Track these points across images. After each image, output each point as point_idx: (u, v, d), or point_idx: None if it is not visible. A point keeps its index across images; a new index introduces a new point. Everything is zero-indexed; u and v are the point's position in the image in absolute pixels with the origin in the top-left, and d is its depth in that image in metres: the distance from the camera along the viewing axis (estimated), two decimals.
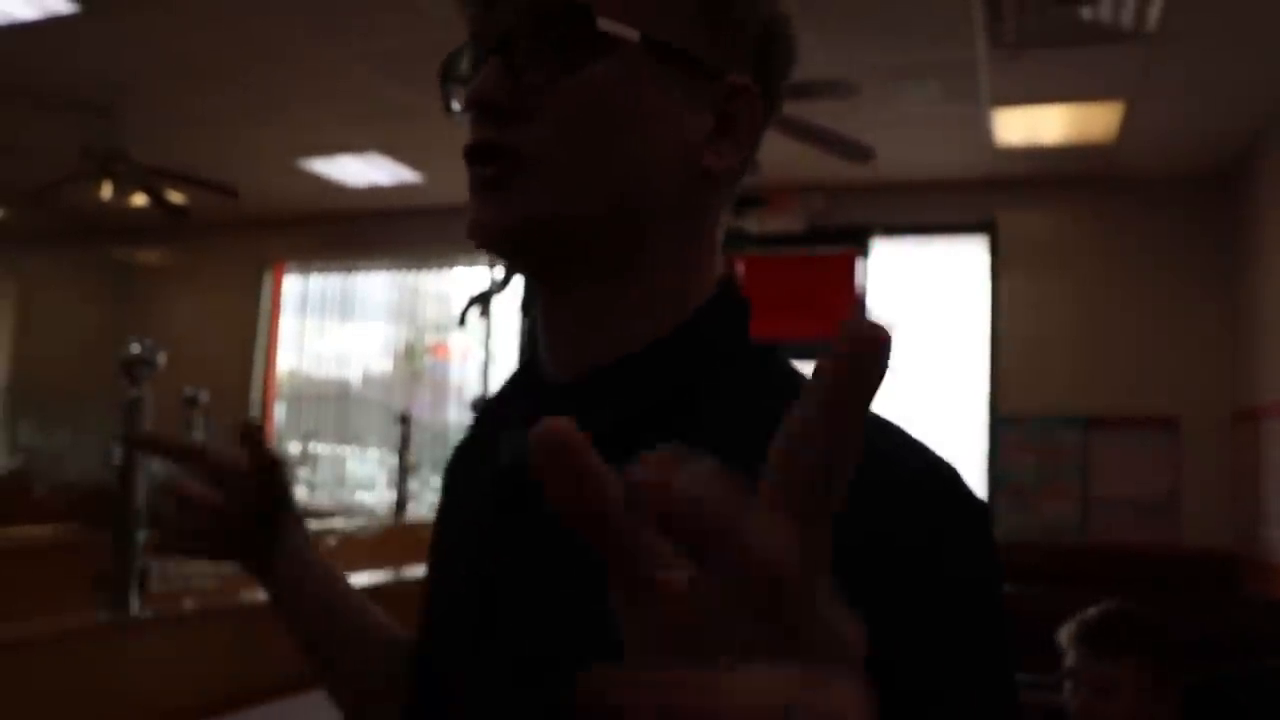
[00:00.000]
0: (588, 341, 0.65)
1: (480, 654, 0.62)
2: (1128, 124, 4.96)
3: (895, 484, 0.53)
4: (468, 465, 0.77)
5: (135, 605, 1.90)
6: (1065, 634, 2.06)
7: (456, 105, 0.66)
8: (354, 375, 7.59)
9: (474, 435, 0.79)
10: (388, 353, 7.60)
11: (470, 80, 0.64)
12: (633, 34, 0.61)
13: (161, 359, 1.81)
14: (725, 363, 0.63)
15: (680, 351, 0.63)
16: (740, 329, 0.66)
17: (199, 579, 2.28)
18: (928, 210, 6.13)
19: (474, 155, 0.63)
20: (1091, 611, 2.06)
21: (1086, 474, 5.61)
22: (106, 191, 5.35)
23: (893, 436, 0.57)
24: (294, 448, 7.18)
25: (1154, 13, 3.78)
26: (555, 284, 0.66)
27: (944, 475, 0.55)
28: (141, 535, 1.92)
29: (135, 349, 1.79)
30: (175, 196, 5.78)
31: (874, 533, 0.50)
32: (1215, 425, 5.38)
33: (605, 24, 0.60)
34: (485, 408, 0.77)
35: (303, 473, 6.84)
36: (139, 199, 5.62)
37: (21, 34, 4.41)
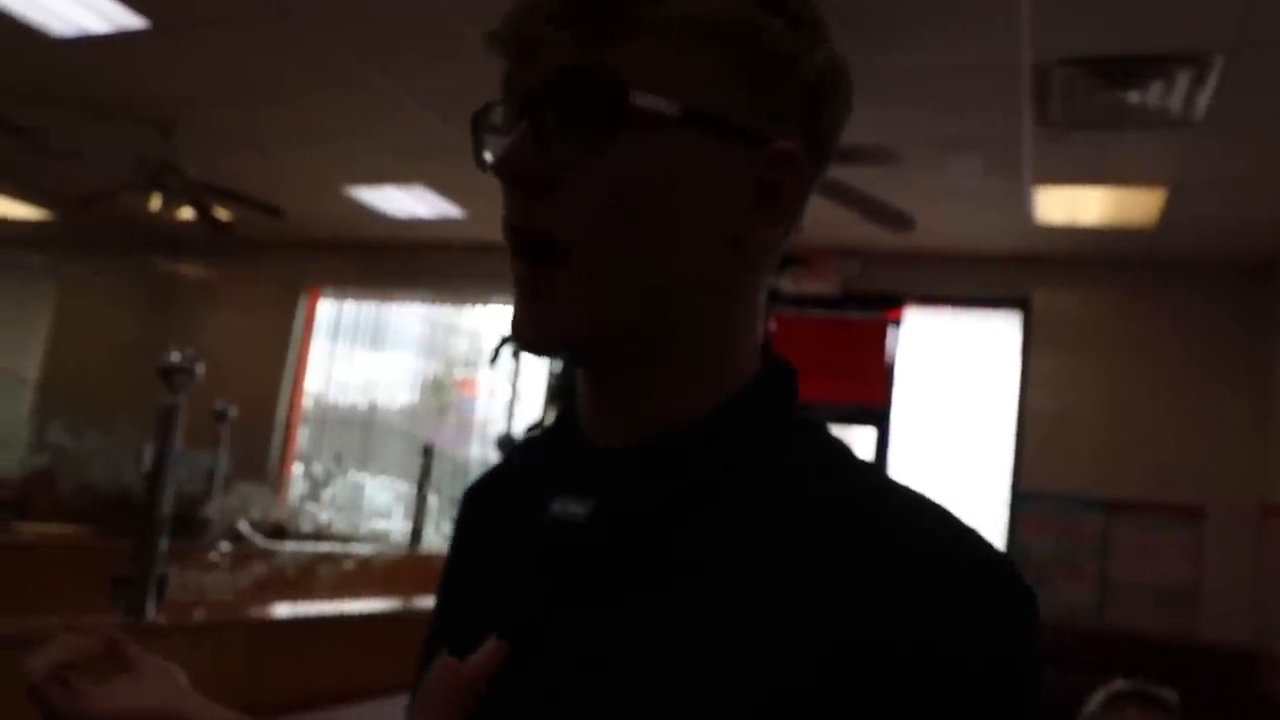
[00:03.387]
0: (630, 412, 0.64)
1: (509, 710, 0.60)
2: (1169, 210, 4.96)
3: (950, 567, 0.53)
4: (495, 512, 0.75)
5: (151, 611, 1.92)
6: None
7: (488, 157, 0.64)
8: (380, 404, 7.63)
9: (499, 480, 0.78)
10: (415, 384, 7.65)
11: (502, 134, 0.63)
12: (672, 108, 0.58)
13: (200, 370, 1.85)
14: (773, 439, 0.63)
15: (730, 427, 0.62)
16: (789, 401, 0.66)
17: (215, 590, 2.30)
18: (963, 282, 6.14)
19: (514, 242, 0.61)
20: None
21: (1106, 557, 5.54)
22: (156, 203, 5.45)
23: (945, 521, 0.56)
24: (315, 471, 7.22)
25: (1202, 101, 3.79)
26: (596, 370, 0.65)
27: (995, 561, 0.55)
28: (164, 543, 1.94)
29: (176, 358, 1.83)
30: (221, 213, 5.89)
31: (927, 614, 0.51)
32: (1241, 518, 5.30)
33: (640, 98, 0.57)
34: (518, 457, 0.76)
35: (325, 495, 6.87)
36: (186, 213, 5.72)
37: (91, 46, 4.53)
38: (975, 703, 0.51)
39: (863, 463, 0.62)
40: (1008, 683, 0.52)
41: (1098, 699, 2.23)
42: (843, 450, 0.63)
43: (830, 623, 0.52)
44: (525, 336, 0.61)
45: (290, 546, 3.16)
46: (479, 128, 0.65)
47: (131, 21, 4.27)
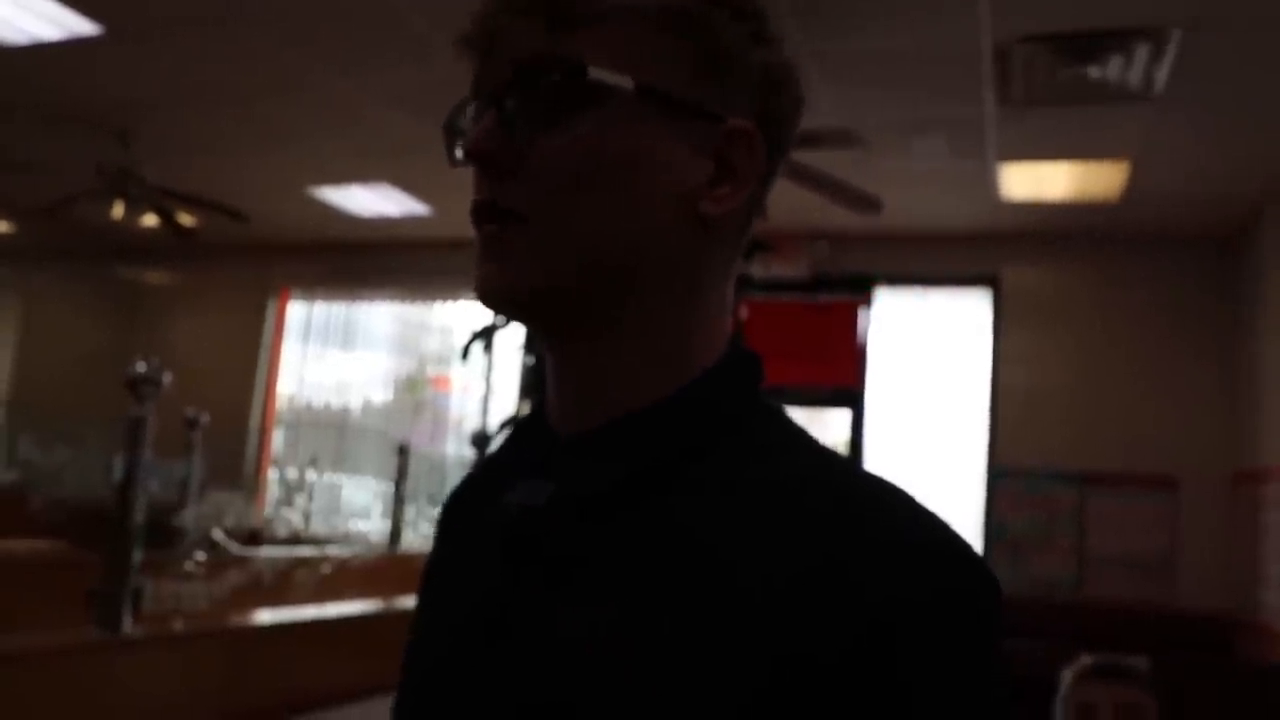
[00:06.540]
0: (593, 394, 0.65)
1: (484, 702, 0.60)
2: (1132, 183, 5.00)
3: (905, 552, 0.53)
4: (470, 512, 0.76)
5: (127, 624, 1.90)
6: None
7: (459, 155, 0.66)
8: (354, 404, 7.59)
9: (476, 482, 0.78)
10: (388, 383, 7.61)
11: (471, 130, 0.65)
12: (626, 82, 0.60)
13: (167, 379, 1.82)
14: (733, 423, 0.63)
15: (690, 410, 0.63)
16: (752, 388, 0.66)
17: (190, 600, 2.28)
18: (932, 262, 6.17)
19: (476, 215, 0.63)
20: None
21: (1083, 530, 5.59)
22: (118, 211, 5.39)
23: (907, 506, 0.56)
24: (291, 474, 7.18)
25: (1161, 75, 3.82)
26: (559, 338, 0.66)
27: (956, 546, 0.55)
28: (137, 554, 1.92)
29: (141, 368, 1.81)
30: (185, 219, 5.82)
31: (882, 599, 0.51)
32: (1214, 486, 5.37)
33: (597, 73, 0.60)
34: (491, 456, 0.77)
35: (299, 499, 6.83)
36: (149, 219, 5.66)
37: (45, 53, 4.46)
38: (937, 689, 0.50)
39: (822, 447, 0.63)
40: (965, 694, 0.51)
41: (1067, 679, 2.26)
42: (801, 434, 0.64)
43: (777, 623, 0.51)
44: (486, 293, 0.63)
45: (266, 552, 3.14)
46: (451, 128, 0.67)
47: (85, 28, 4.20)
